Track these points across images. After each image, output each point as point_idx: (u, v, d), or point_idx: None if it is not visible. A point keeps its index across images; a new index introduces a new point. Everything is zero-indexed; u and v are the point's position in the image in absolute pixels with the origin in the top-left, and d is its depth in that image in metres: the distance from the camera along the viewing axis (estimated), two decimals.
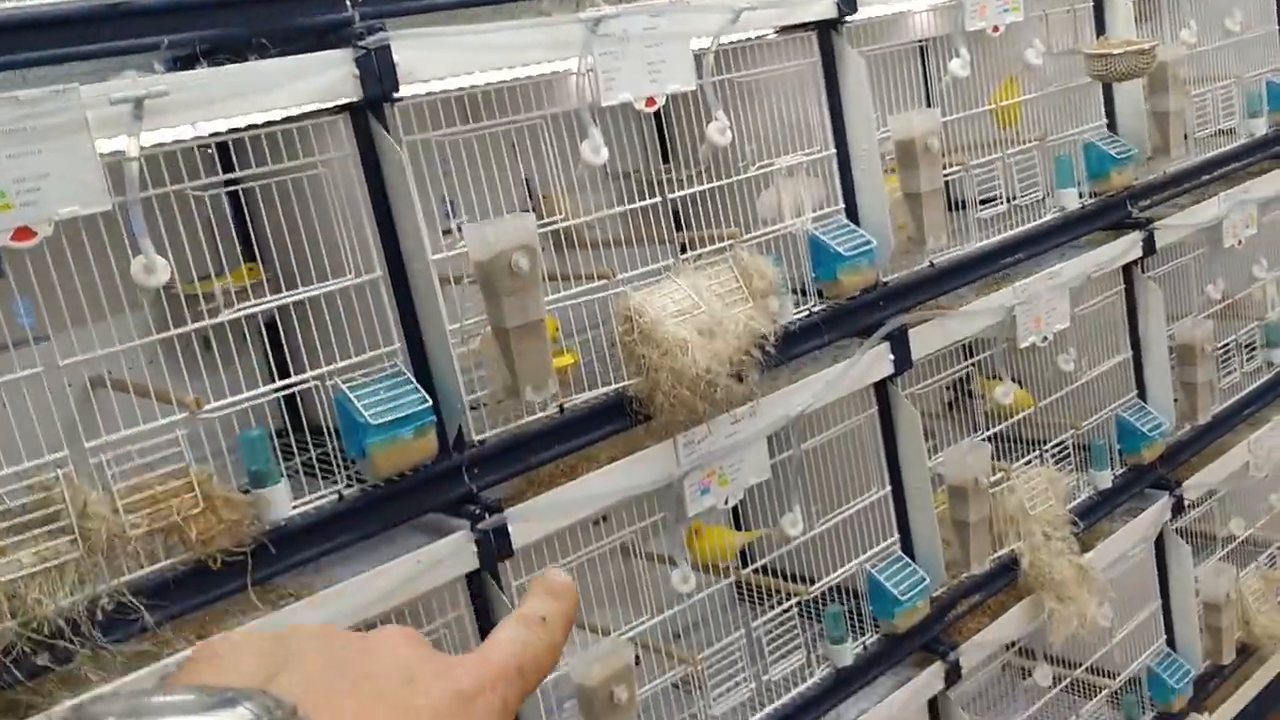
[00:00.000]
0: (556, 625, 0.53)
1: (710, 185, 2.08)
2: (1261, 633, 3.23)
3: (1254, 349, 3.31)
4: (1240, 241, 3.10)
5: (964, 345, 2.64)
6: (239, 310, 1.52)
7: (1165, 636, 3.05)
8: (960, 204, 2.51)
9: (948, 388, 3.06)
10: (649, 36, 1.82)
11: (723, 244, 2.00)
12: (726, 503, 1.99)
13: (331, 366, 1.59)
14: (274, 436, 1.63)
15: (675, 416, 1.86)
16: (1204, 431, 3.07)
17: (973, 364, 2.56)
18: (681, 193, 2.03)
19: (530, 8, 1.80)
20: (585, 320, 1.94)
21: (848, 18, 2.13)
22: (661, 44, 1.83)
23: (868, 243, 2.14)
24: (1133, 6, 2.83)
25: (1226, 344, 3.20)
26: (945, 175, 2.38)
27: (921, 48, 2.66)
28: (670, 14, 1.84)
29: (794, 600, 2.19)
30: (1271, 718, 3.37)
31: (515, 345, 1.65)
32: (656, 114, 2.47)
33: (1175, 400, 2.98)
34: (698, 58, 1.92)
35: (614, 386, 1.85)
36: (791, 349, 2.07)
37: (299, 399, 1.94)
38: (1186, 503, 3.00)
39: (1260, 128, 3.17)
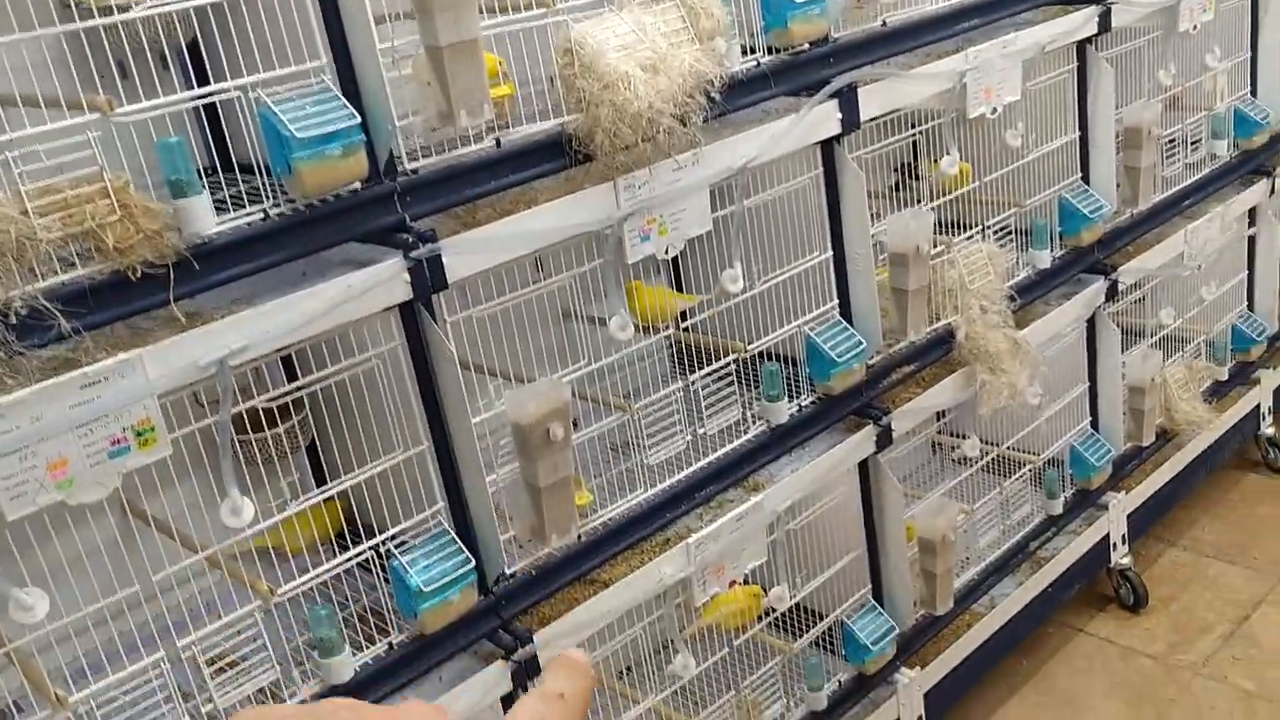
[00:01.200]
0: (575, 702, 0.55)
1: None
2: (1182, 419, 3.33)
3: (1199, 141, 3.30)
4: (1196, 27, 3.05)
5: (910, 122, 2.61)
6: (152, 6, 1.42)
7: (1090, 418, 3.13)
8: None
9: (894, 169, 3.04)
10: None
11: None
12: (667, 252, 1.96)
13: (254, 77, 1.50)
14: (201, 174, 1.56)
15: (616, 156, 1.80)
16: (1143, 219, 3.08)
17: (920, 132, 2.51)
18: None
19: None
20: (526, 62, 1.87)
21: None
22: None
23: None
24: None
25: (1173, 133, 3.18)
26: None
27: None
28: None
29: (732, 357, 2.19)
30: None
31: (449, 66, 1.57)
32: None
33: (1118, 185, 2.98)
34: None
35: (554, 122, 1.79)
36: (738, 98, 2.01)
37: (228, 138, 1.86)
38: (1121, 288, 3.03)
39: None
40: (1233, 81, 3.38)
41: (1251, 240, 3.57)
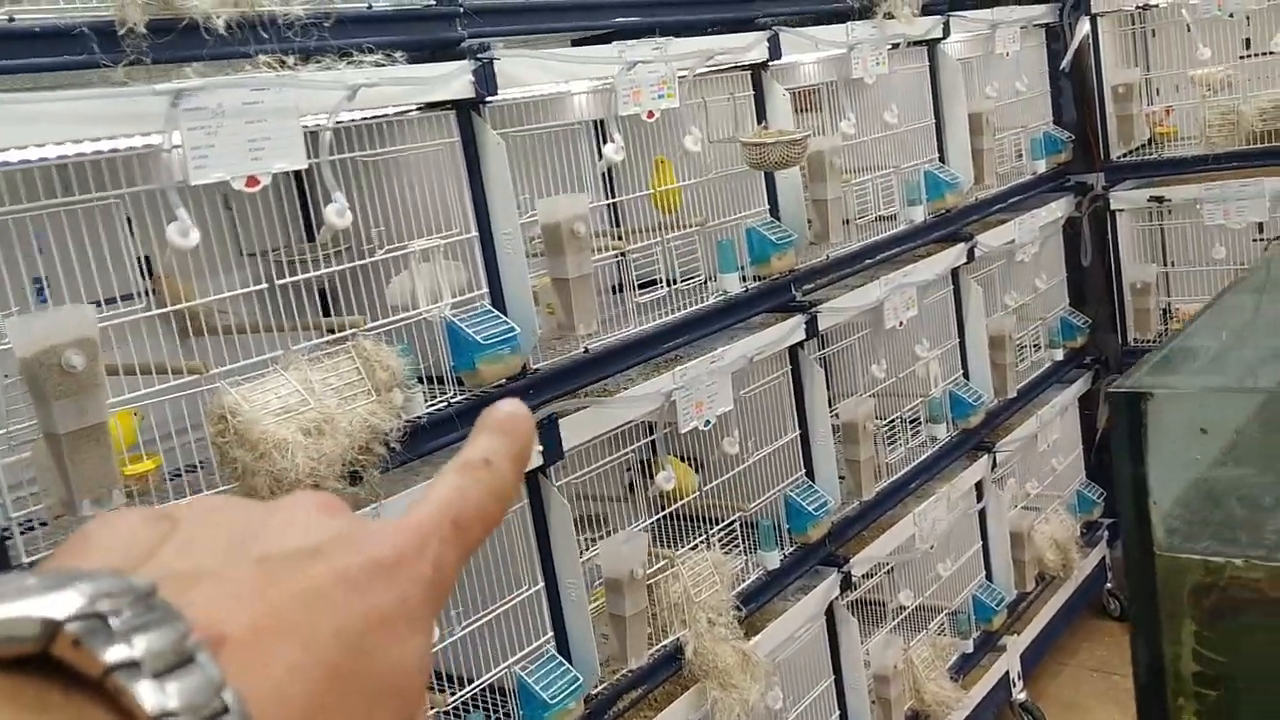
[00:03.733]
0: (505, 466, 0.45)
1: (342, 267, 1.95)
2: (931, 699, 3.33)
3: (919, 424, 3.45)
4: (902, 323, 3.23)
5: (645, 427, 2.62)
6: None
7: (839, 712, 3.08)
8: (619, 288, 2.48)
9: (627, 470, 3.03)
10: (250, 112, 1.68)
11: (344, 333, 1.87)
12: None
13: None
14: None
15: None
16: (871, 506, 3.15)
17: (631, 451, 2.52)
18: (305, 275, 1.88)
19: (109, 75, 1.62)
20: (188, 420, 1.77)
21: (488, 98, 2.06)
22: (265, 120, 1.70)
23: (510, 330, 2.06)
24: (793, 98, 2.92)
25: (892, 420, 3.32)
26: (599, 260, 2.35)
27: (596, 128, 2.64)
28: (276, 89, 1.70)
29: (434, 710, 2.05)
30: None
31: (70, 454, 1.45)
32: (301, 189, 2.34)
33: (842, 478, 3.05)
34: (315, 134, 1.79)
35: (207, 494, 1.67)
36: (424, 444, 1.95)
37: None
38: (855, 578, 3.06)
39: (919, 215, 3.33)
40: (946, 367, 3.58)
41: (982, 513, 3.71)
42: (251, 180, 1.69)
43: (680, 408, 2.47)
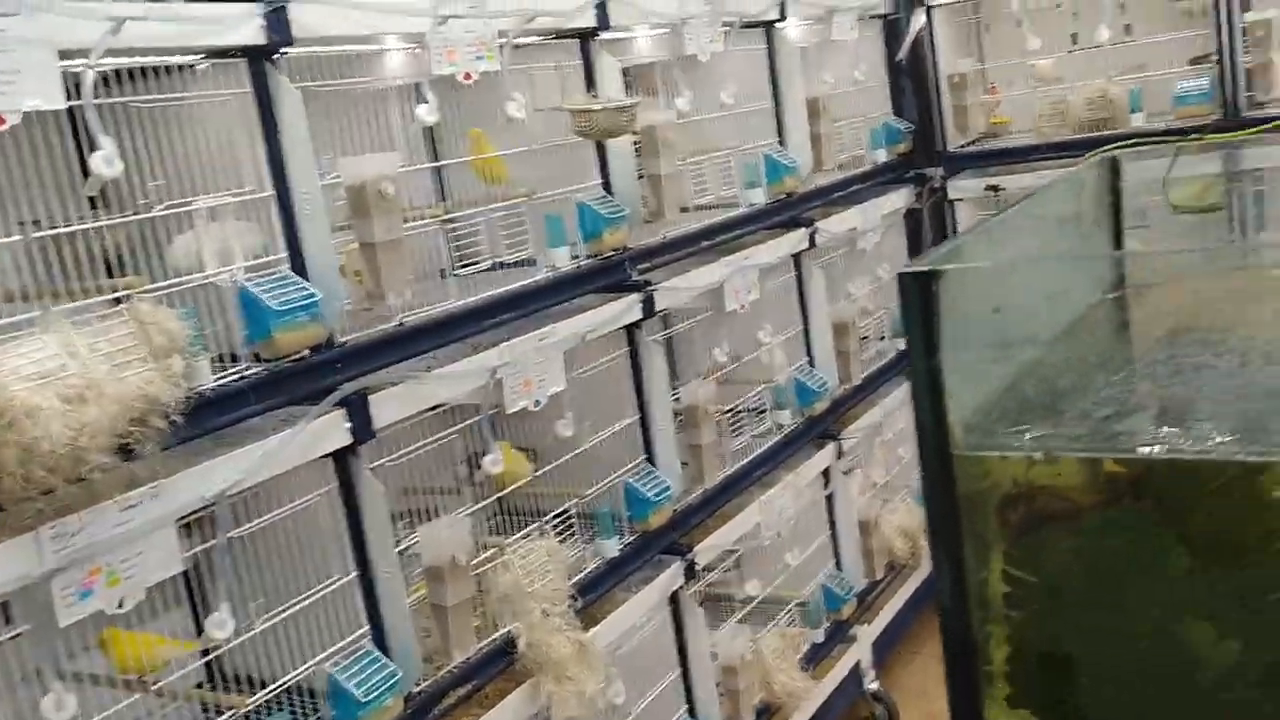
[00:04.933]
0: None
1: (110, 222, 1.77)
2: (781, 690, 3.26)
3: (763, 412, 3.39)
4: (743, 306, 3.17)
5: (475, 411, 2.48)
6: None
7: (686, 706, 2.99)
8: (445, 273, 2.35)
9: (461, 461, 2.88)
10: None
11: (116, 294, 1.69)
12: (121, 605, 1.66)
13: None
14: None
15: (32, 502, 1.51)
16: (715, 494, 3.07)
17: (457, 432, 2.38)
18: (63, 230, 1.70)
19: None
20: None
21: (283, 47, 1.91)
22: (13, 50, 1.52)
23: (310, 296, 1.91)
24: (628, 77, 2.84)
25: (734, 407, 3.25)
26: (417, 228, 2.21)
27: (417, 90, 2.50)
28: (27, 14, 1.53)
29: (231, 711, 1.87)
30: None
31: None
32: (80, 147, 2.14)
33: (684, 464, 2.96)
34: (78, 75, 1.62)
35: None
36: (212, 418, 1.78)
37: None
38: (700, 567, 2.97)
39: (759, 197, 3.28)
40: (790, 353, 3.54)
41: (830, 501, 3.68)
42: None
43: (507, 386, 2.35)
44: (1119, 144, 1.25)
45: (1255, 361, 0.86)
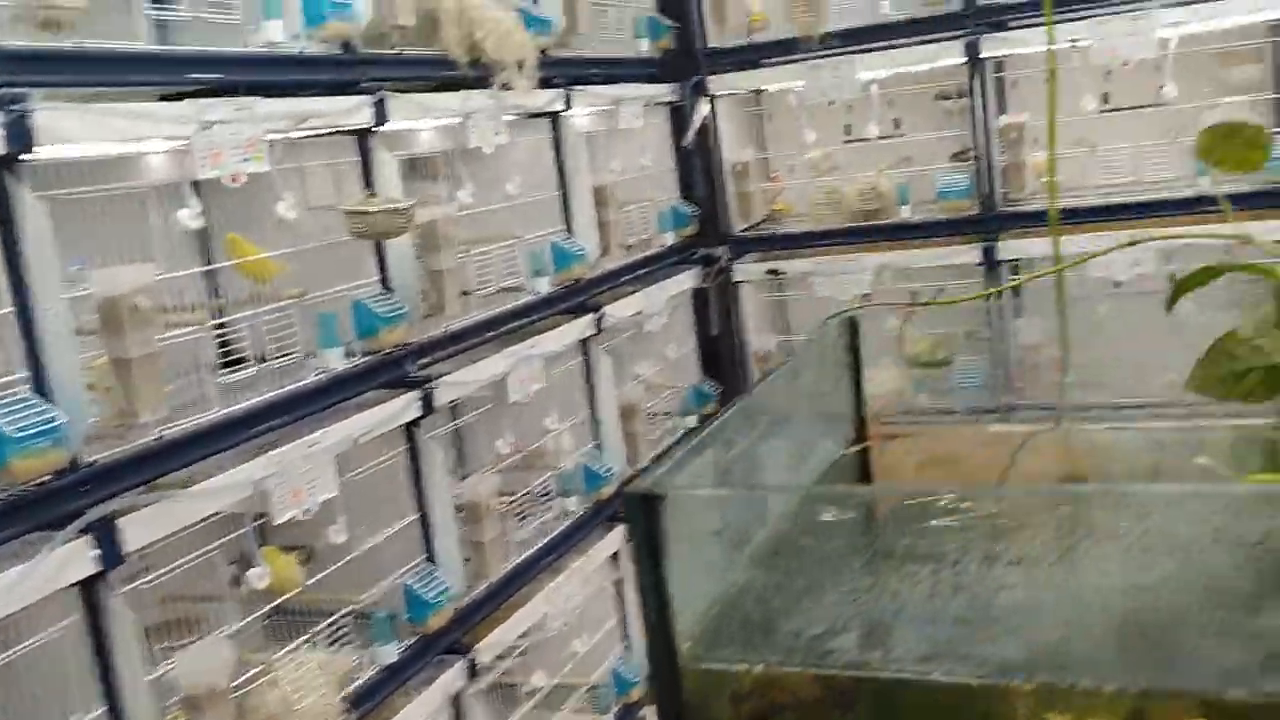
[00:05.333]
0: None
1: None
2: None
3: (550, 498, 3.39)
4: (528, 396, 3.17)
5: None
6: None
7: None
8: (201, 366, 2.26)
9: (230, 563, 2.77)
10: None
11: None
12: None
13: None
14: None
15: None
16: (500, 588, 3.05)
17: (218, 547, 2.28)
18: None
19: None
20: None
21: (23, 155, 1.81)
22: None
23: (51, 420, 1.80)
24: (411, 165, 2.82)
25: (520, 496, 3.24)
26: (178, 335, 2.13)
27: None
28: None
29: None
30: None
31: None
32: None
33: (467, 559, 2.93)
34: None
35: None
36: None
37: None
38: (482, 664, 2.93)
39: (544, 286, 3.29)
40: (578, 438, 3.56)
41: (619, 585, 3.70)
42: None
43: (275, 496, 2.27)
44: (853, 308, 1.32)
45: (993, 571, 0.90)
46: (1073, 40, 3.53)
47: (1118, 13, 3.53)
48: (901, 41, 3.86)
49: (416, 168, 3.12)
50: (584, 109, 3.57)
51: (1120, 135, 3.87)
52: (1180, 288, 0.97)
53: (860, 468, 1.34)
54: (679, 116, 4.24)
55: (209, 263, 2.56)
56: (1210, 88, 3.75)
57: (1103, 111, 3.91)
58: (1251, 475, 1.01)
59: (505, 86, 3.02)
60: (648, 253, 3.99)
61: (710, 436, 0.99)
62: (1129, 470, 1.34)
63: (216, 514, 2.20)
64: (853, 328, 1.36)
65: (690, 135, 4.18)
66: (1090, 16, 3.53)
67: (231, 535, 2.34)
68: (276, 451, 2.27)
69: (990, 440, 1.37)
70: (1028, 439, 1.34)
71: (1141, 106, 3.92)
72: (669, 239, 4.10)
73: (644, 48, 3.99)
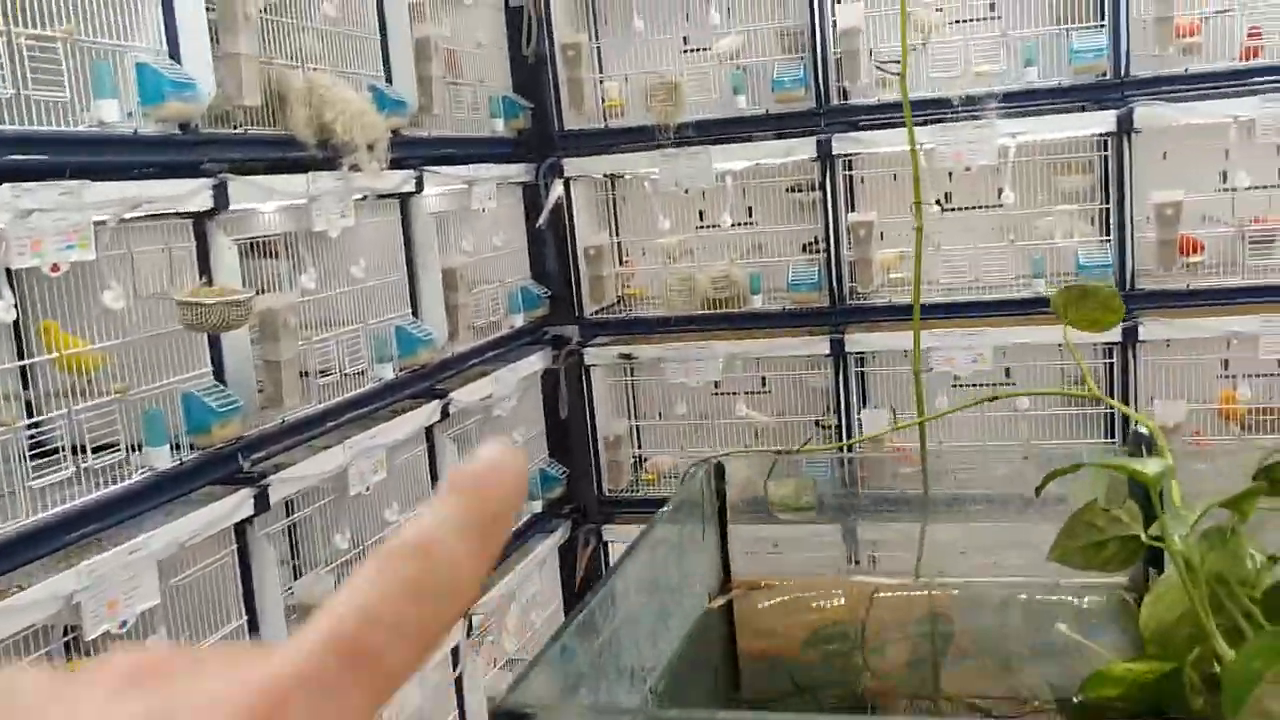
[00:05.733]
0: (454, 548, 0.32)
1: None
2: None
3: None
4: (369, 488, 3.04)
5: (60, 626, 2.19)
6: None
7: None
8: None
9: None
10: None
11: None
12: None
13: None
14: None
15: None
16: None
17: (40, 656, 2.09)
18: None
19: None
20: None
21: None
22: None
23: None
24: (251, 246, 2.69)
25: None
26: None
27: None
28: None
29: None
30: None
31: None
32: None
33: None
34: None
35: None
36: None
37: None
38: None
39: (388, 372, 3.18)
40: None
41: (459, 681, 3.57)
42: None
43: (87, 610, 2.09)
44: (722, 455, 1.29)
45: None
46: (921, 144, 3.64)
47: (960, 119, 3.67)
48: (757, 134, 3.92)
49: (257, 246, 2.99)
50: (436, 189, 3.50)
51: (960, 236, 4.01)
52: (1050, 476, 0.97)
53: (726, 620, 1.30)
54: (533, 196, 4.20)
55: (22, 356, 2.36)
56: (1044, 194, 3.92)
57: (944, 211, 4.05)
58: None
59: (354, 168, 2.93)
60: (497, 334, 3.92)
61: (582, 624, 0.93)
62: (980, 627, 1.33)
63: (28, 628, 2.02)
64: (719, 473, 1.32)
65: (544, 216, 4.14)
66: (937, 122, 3.66)
67: (39, 653, 2.14)
68: (91, 561, 2.10)
69: (850, 590, 1.35)
70: (889, 592, 1.33)
71: (981, 208, 4.07)
72: (519, 320, 4.04)
73: (499, 127, 3.95)
